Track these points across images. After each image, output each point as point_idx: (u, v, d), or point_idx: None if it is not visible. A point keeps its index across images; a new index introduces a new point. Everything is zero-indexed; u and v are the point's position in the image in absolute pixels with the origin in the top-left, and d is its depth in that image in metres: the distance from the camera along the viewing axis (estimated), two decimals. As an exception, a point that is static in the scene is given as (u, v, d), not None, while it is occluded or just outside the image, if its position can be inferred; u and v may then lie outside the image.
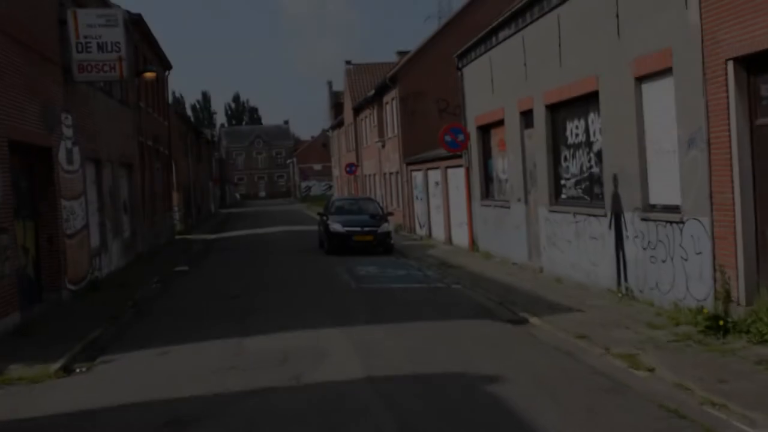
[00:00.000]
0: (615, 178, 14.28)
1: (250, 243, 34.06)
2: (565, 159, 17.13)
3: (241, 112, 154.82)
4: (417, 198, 34.52)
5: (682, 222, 12.01)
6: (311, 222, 43.00)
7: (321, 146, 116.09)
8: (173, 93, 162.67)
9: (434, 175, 30.63)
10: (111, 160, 23.97)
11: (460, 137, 24.46)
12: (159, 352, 11.40)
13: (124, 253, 25.21)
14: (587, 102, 15.66)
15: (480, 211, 23.91)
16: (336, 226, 26.17)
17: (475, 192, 24.36)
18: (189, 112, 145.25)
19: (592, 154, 15.72)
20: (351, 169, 50.89)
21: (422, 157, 32.50)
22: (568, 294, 15.17)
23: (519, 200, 20.05)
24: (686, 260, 11.98)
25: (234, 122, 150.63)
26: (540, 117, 18.00)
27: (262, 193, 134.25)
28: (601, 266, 15.22)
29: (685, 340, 10.48)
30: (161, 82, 38.82)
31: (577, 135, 16.42)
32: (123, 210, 26.65)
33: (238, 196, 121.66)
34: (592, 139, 15.66)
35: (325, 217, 27.55)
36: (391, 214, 29.26)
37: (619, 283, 14.47)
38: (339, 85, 71.91)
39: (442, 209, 29.45)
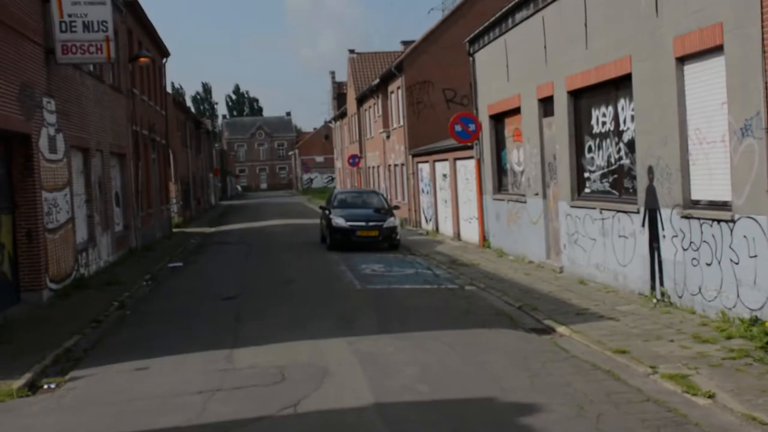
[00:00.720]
0: (650, 171, 12.86)
1: (249, 237, 32.66)
2: (590, 150, 15.70)
3: (242, 104, 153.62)
4: (423, 191, 33.11)
5: (733, 221, 10.58)
6: (313, 215, 41.57)
7: (323, 138, 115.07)
8: (172, 84, 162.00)
9: (442, 167, 29.21)
10: (101, 149, 22.57)
11: (471, 127, 23.03)
12: (138, 367, 10.00)
13: (116, 247, 23.84)
14: (617, 87, 14.24)
15: (492, 206, 22.50)
16: (339, 221, 24.76)
17: (486, 185, 22.95)
18: (189, 104, 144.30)
19: (621, 144, 14.30)
20: (354, 160, 49.47)
21: (429, 149, 31.08)
22: (595, 298, 13.77)
23: (536, 194, 18.64)
24: (737, 264, 10.56)
25: (235, 114, 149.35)
26: (561, 104, 16.58)
27: (264, 185, 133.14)
28: (632, 268, 13.82)
29: (742, 358, 9.08)
30: (158, 70, 37.41)
31: (603, 123, 15.00)
32: (115, 202, 25.26)
33: (239, 188, 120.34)
34: (622, 127, 14.23)
35: (327, 211, 26.14)
36: (396, 207, 27.86)
37: (653, 287, 13.06)
38: (342, 76, 70.58)
39: (450, 203, 28.04)
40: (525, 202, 19.53)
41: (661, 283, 12.76)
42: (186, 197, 48.55)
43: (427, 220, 32.60)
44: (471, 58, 23.90)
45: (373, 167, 47.26)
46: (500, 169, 22.25)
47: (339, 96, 69.64)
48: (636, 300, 13.22)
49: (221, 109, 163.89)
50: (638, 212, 13.37)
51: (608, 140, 14.85)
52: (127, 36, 28.23)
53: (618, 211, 14.23)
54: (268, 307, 14.21)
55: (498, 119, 22.03)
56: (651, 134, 12.81)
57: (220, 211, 61.68)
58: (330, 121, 76.20)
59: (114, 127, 24.73)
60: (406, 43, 45.71)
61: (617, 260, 14.37)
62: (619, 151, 14.42)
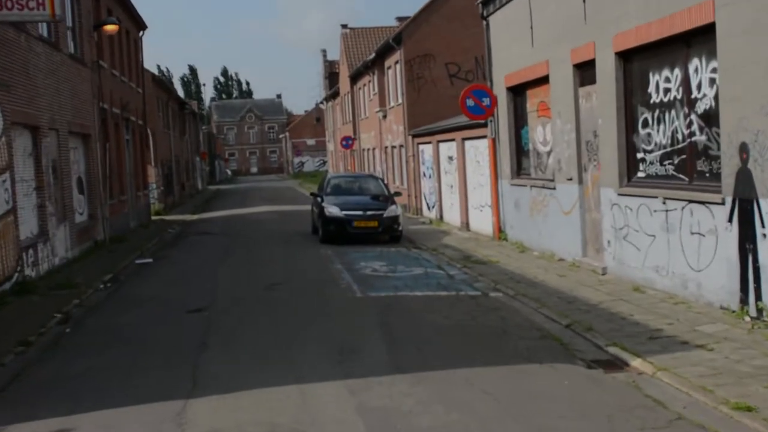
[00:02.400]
0: (744, 149, 9.80)
1: (233, 226, 29.53)
2: (645, 124, 12.64)
3: (230, 87, 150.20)
4: (425, 175, 30.01)
5: None
6: (304, 201, 38.39)
7: (314, 121, 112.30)
8: (158, 66, 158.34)
9: (447, 149, 26.11)
10: (56, 128, 19.41)
11: (486, 101, 19.93)
12: (50, 432, 6.95)
13: (77, 241, 20.72)
14: (689, 43, 11.17)
15: (510, 192, 19.44)
16: (332, 210, 21.65)
17: (503, 168, 19.87)
18: (178, 87, 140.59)
19: (694, 116, 11.23)
20: (347, 142, 46.27)
21: (432, 128, 27.96)
22: (662, 313, 10.74)
23: (569, 179, 15.58)
24: None
25: (224, 97, 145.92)
26: (607, 69, 13.50)
27: (254, 169, 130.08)
28: (710, 274, 10.80)
29: None
30: (133, 44, 34.14)
31: (667, 91, 11.92)
32: (77, 189, 22.13)
33: (229, 172, 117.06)
34: (695, 94, 11.16)
35: (319, 198, 23.01)
36: (398, 194, 24.77)
37: (743, 301, 10.04)
38: (334, 54, 67.29)
39: (457, 188, 24.96)
40: (554, 188, 16.48)
41: (758, 297, 9.73)
42: (168, 182, 45.35)
43: (429, 208, 29.52)
44: (484, 22, 20.74)
45: (368, 149, 44.12)
46: (520, 150, 19.18)
47: (331, 75, 66.37)
48: (721, 317, 10.19)
49: (209, 92, 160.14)
50: (723, 203, 10.33)
51: (673, 111, 11.79)
52: (93, 1, 24.99)
53: (690, 201, 11.17)
54: (244, 325, 11.10)
55: (518, 92, 18.93)
56: (743, 102, 9.75)
57: (207, 196, 58.46)
58: (321, 102, 72.88)
59: (74, 103, 21.55)
60: (401, 20, 42.47)
61: (687, 263, 11.34)
62: (690, 124, 11.35)
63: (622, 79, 13.23)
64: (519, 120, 19.11)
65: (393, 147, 36.38)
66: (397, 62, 33.79)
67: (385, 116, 37.45)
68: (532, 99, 17.97)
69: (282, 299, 13.10)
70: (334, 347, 9.43)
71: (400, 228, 22.00)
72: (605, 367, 8.64)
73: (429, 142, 28.63)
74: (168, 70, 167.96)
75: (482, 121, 20.62)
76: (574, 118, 15.20)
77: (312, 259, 18.38)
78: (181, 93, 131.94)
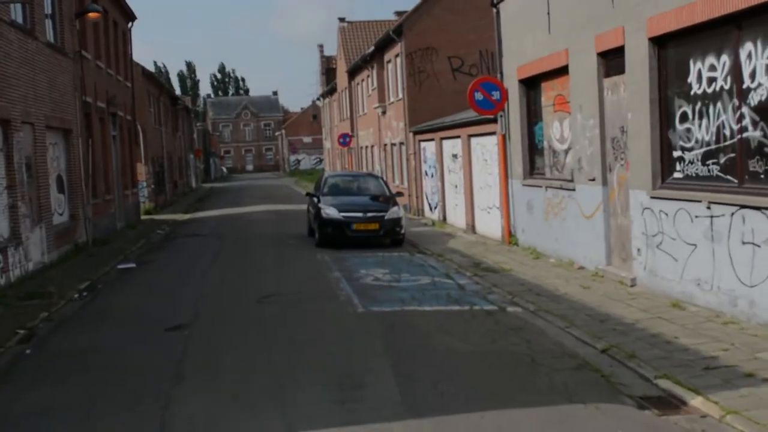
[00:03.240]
0: (815, 147, 8.36)
1: (225, 227, 28.05)
2: (684, 118, 11.18)
3: (227, 83, 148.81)
4: (427, 174, 28.54)
5: None
6: (300, 200, 36.94)
7: (311, 118, 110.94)
8: (155, 63, 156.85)
9: (451, 146, 24.65)
10: (31, 122, 17.94)
11: (495, 95, 18.48)
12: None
13: (55, 244, 19.24)
14: (739, 25, 9.73)
15: (522, 193, 17.99)
16: (330, 211, 20.16)
17: (514, 167, 18.42)
18: (175, 83, 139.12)
19: (746, 109, 9.78)
20: (345, 140, 44.75)
21: (435, 124, 26.49)
22: (712, 334, 9.30)
23: (592, 180, 14.12)
24: None
25: (220, 94, 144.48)
26: (638, 57, 12.04)
27: (250, 167, 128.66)
28: (765, 290, 9.35)
29: None
30: (122, 35, 32.63)
31: (712, 80, 10.47)
32: (56, 187, 20.67)
33: (224, 169, 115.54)
34: (748, 84, 9.71)
35: (315, 199, 21.52)
36: (399, 194, 23.28)
37: (811, 324, 8.60)
38: (331, 50, 65.78)
39: (462, 188, 23.50)
40: (573, 189, 15.02)
41: (831, 320, 8.29)
42: (159, 180, 43.85)
43: (431, 208, 28.06)
44: (494, 10, 19.27)
45: (366, 147, 42.65)
46: (533, 148, 17.73)
47: (328, 71, 64.88)
48: (784, 342, 8.76)
49: (206, 88, 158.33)
50: (785, 209, 8.89)
51: (719, 104, 10.34)
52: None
53: (743, 206, 9.73)
54: (228, 350, 9.60)
55: (531, 84, 17.48)
56: (813, 90, 8.31)
57: (201, 194, 56.95)
58: (318, 98, 71.35)
59: (53, 96, 20.07)
60: (400, 14, 40.94)
61: (737, 277, 9.89)
62: (740, 118, 9.90)
63: (656, 68, 11.78)
64: (532, 115, 17.66)
65: (392, 144, 34.91)
66: (397, 56, 32.32)
67: (384, 112, 35.99)
68: (548, 92, 16.52)
69: (273, 316, 11.60)
70: (334, 381, 7.93)
71: (403, 231, 20.52)
72: (659, 407, 7.19)
73: (431, 139, 27.17)
74: (165, 66, 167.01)
75: (491, 117, 19.17)
76: (597, 112, 13.74)
77: (308, 266, 16.90)
78: (177, 89, 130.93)
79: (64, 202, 21.43)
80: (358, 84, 43.69)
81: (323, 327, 10.67)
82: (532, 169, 17.82)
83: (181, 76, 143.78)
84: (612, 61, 13.27)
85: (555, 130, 16.24)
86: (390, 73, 34.61)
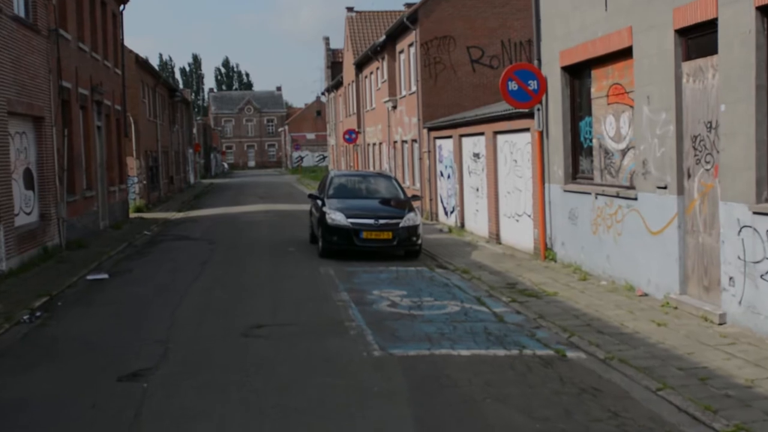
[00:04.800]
0: None
1: (218, 230, 25.37)
2: (808, 111, 8.50)
3: (231, 78, 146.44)
4: (442, 175, 25.84)
5: None
6: (302, 199, 34.23)
7: (315, 114, 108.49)
8: (160, 55, 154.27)
9: (473, 144, 21.93)
10: (-12, 107, 15.29)
11: (532, 85, 15.79)
12: None
13: (18, 248, 16.60)
14: None
15: (563, 200, 15.30)
16: (336, 216, 17.44)
17: (553, 170, 15.72)
18: (178, 77, 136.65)
19: None
20: (350, 136, 42.02)
21: (455, 119, 23.76)
22: None
23: (662, 187, 11.42)
24: None
25: (224, 88, 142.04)
26: (740, 31, 9.35)
27: (252, 163, 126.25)
28: None
29: None
30: (112, 18, 29.89)
31: None
32: (23, 183, 18.02)
33: (226, 165, 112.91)
34: None
35: (319, 201, 18.79)
36: (416, 197, 20.59)
37: None
38: (337, 43, 63.08)
39: (485, 192, 20.79)
40: (634, 198, 12.31)
41: None
42: (153, 175, 41.18)
43: (447, 213, 25.35)
44: (532, -14, 16.57)
45: (374, 144, 39.94)
46: (577, 147, 15.04)
47: (333, 65, 62.17)
48: None
49: (210, 83, 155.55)
50: None
51: None
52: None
53: None
54: (196, 421, 6.89)
55: (577, 72, 14.79)
56: None
57: (198, 191, 54.21)
58: (323, 93, 68.65)
59: (19, 78, 17.39)
60: (410, 6, 38.21)
61: None
62: None
63: (765, 46, 9.09)
64: (577, 109, 14.97)
65: (404, 142, 32.20)
66: (411, 45, 29.60)
67: (395, 107, 33.28)
68: (600, 81, 13.81)
69: (262, 361, 8.84)
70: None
71: (420, 241, 17.75)
72: None
73: (449, 137, 24.45)
74: (171, 59, 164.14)
75: (525, 111, 16.48)
76: (673, 103, 11.04)
77: (309, 284, 14.18)
78: (181, 83, 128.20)
79: (33, 200, 18.78)
80: (366, 77, 41.00)
81: (328, 384, 7.91)
82: (575, 173, 15.13)
83: (185, 70, 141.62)
84: (696, 39, 10.58)
85: (608, 127, 13.53)
86: (402, 65, 31.89)
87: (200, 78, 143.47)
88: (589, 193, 14.01)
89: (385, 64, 34.17)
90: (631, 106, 12.52)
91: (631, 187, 12.56)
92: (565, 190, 15.17)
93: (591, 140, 14.35)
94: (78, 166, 22.81)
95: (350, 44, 45.40)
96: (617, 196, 12.90)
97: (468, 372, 8.20)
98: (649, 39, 11.62)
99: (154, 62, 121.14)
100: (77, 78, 22.77)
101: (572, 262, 14.94)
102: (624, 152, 13.02)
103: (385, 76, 34.15)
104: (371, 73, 39.01)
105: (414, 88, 29.27)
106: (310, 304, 12.16)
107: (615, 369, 8.34)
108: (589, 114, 14.36)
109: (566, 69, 15.00)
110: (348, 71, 46.84)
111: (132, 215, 32.18)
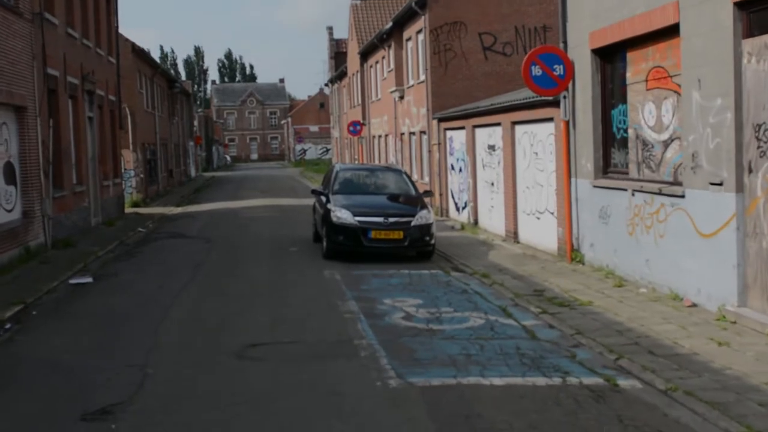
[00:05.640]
0: None
1: (217, 226, 23.98)
2: None
3: (234, 70, 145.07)
4: (453, 168, 24.39)
5: None
6: (304, 193, 32.78)
7: (318, 106, 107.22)
8: (161, 47, 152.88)
9: (488, 135, 20.48)
10: (-42, 94, 13.87)
11: (558, 70, 14.33)
12: None
13: (-5, 248, 15.22)
14: None
15: (592, 197, 13.87)
16: (342, 215, 16.00)
17: (581, 163, 14.28)
18: (181, 68, 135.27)
19: None
20: (355, 128, 40.53)
21: (467, 109, 22.30)
22: None
23: (717, 184, 9.97)
24: None
25: (227, 80, 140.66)
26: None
27: (254, 156, 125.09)
28: None
29: None
30: (104, 3, 28.42)
31: None
32: (5, 178, 16.63)
33: (228, 158, 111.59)
34: None
35: (324, 198, 17.36)
36: (429, 193, 19.15)
37: None
38: (341, 33, 61.57)
39: (501, 187, 19.35)
40: (681, 195, 10.87)
41: None
42: (151, 168, 39.76)
43: (458, 209, 23.91)
44: (557, -39, 15.10)
45: (380, 136, 38.48)
46: (609, 138, 13.59)
47: (337, 55, 60.66)
48: None
49: (213, 75, 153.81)
50: None
51: None
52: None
53: None
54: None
55: (610, 55, 13.34)
56: None
57: (199, 184, 52.80)
58: (326, 84, 67.14)
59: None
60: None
61: None
62: None
63: None
64: (609, 95, 13.52)
65: (411, 133, 30.74)
66: (419, 32, 28.12)
67: (402, 97, 31.81)
68: (638, 64, 12.34)
69: (258, 393, 7.39)
70: None
71: (433, 241, 16.30)
72: None
73: (461, 128, 22.99)
74: (173, 51, 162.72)
75: (549, 99, 15.04)
76: (732, 88, 9.58)
77: (313, 291, 12.74)
78: (183, 75, 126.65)
79: (15, 196, 17.37)
80: (371, 66, 39.54)
81: (336, 427, 6.49)
82: (606, 166, 13.69)
83: (188, 62, 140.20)
84: (759, 13, 9.13)
85: (648, 115, 12.08)
86: (410, 53, 30.41)
87: (203, 70, 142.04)
88: (625, 190, 12.56)
89: (391, 52, 32.72)
90: (677, 92, 11.07)
91: (677, 183, 11.12)
92: (595, 186, 13.73)
93: (625, 130, 12.90)
94: (67, 159, 21.44)
95: (355, 33, 43.92)
96: (660, 193, 11.45)
97: (506, 410, 6.76)
98: (701, 14, 10.16)
99: (156, 55, 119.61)
100: (66, 65, 21.35)
101: (603, 265, 13.50)
102: (667, 143, 11.58)
103: (392, 65, 32.68)
104: (377, 62, 37.55)
105: (422, 77, 27.81)
106: (314, 316, 10.74)
107: (681, 404, 6.92)
108: (624, 101, 12.91)
109: (597, 52, 13.54)
110: (352, 61, 45.37)
111: (128, 210, 30.82)
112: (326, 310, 11.11)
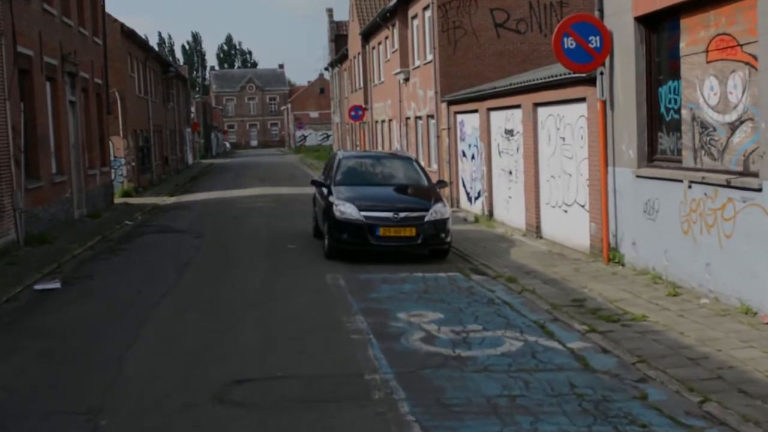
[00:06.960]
0: None
1: (210, 219, 22.14)
2: None
3: (233, 56, 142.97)
4: (465, 155, 22.50)
5: None
6: (304, 180, 30.91)
7: (318, 92, 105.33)
8: (159, 34, 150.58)
9: (505, 119, 18.59)
10: None
11: (594, 41, 12.44)
12: None
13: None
14: None
15: (635, 188, 12.00)
16: (346, 209, 14.10)
17: (621, 149, 12.41)
18: (179, 54, 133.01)
19: None
20: (357, 113, 38.58)
21: (481, 90, 20.37)
22: None
23: (809, 175, 8.11)
24: None
25: (226, 66, 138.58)
26: None
27: (254, 142, 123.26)
28: None
29: None
30: (88, -21, 26.48)
31: None
32: (-34, 169, 14.80)
33: (227, 144, 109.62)
34: None
35: (325, 189, 15.46)
36: (443, 183, 17.24)
37: None
38: (342, 15, 59.57)
39: (521, 176, 17.47)
40: (756, 188, 9.00)
41: None
42: (144, 156, 37.88)
43: (471, 199, 22.04)
44: None
45: (383, 121, 36.55)
46: (655, 120, 11.72)
47: (338, 38, 58.66)
48: None
49: (213, 61, 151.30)
50: None
51: None
52: None
53: None
54: None
55: (656, 23, 11.45)
56: None
57: (196, 172, 50.91)
58: (326, 68, 65.12)
59: (-45, 39, 14.12)
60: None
61: None
62: None
63: None
64: (656, 70, 11.64)
65: (417, 118, 28.83)
66: (426, 8, 26.17)
67: (407, 79, 29.87)
68: (695, 32, 10.45)
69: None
70: None
71: (449, 239, 14.38)
72: None
73: (474, 111, 21.07)
74: (170, 37, 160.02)
75: (583, 75, 13.15)
76: (831, 55, 7.72)
77: (313, 301, 10.87)
78: (181, 61, 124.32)
79: (-19, 189, 15.55)
80: (373, 48, 37.59)
81: None
82: (653, 153, 11.81)
83: (185, 48, 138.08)
84: None
85: (708, 92, 10.20)
86: (416, 32, 28.46)
87: (201, 56, 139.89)
88: (679, 181, 10.69)
89: (395, 31, 30.76)
90: (750, 64, 9.19)
91: (750, 174, 9.25)
92: (639, 176, 11.87)
93: (677, 111, 11.03)
94: (44, 146, 19.60)
95: (356, 13, 41.95)
96: (727, 186, 9.58)
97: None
98: (787, -34, 8.28)
99: (153, 41, 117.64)
100: (41, 44, 19.48)
101: (648, 267, 11.65)
102: (734, 126, 9.70)
103: (396, 46, 30.74)
104: (379, 43, 35.60)
105: (430, 57, 25.88)
106: (313, 338, 8.87)
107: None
108: (675, 77, 11.02)
109: (641, 20, 11.65)
110: (353, 43, 43.41)
111: (117, 201, 29.03)
112: (329, 328, 9.24)
